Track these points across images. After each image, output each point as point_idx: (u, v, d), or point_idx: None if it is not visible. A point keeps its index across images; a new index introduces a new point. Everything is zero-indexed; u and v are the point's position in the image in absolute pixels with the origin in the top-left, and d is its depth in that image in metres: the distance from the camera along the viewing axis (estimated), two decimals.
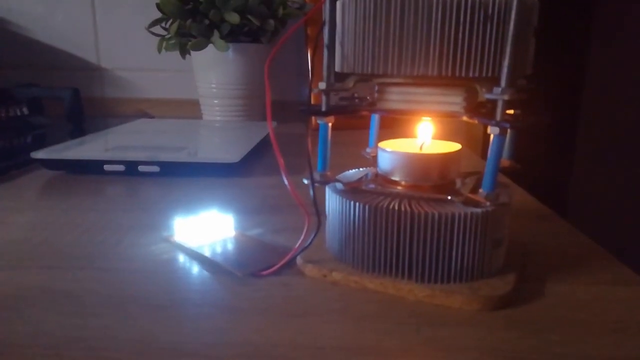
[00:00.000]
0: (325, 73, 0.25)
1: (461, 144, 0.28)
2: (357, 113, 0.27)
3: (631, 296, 0.25)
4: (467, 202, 0.24)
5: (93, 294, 0.25)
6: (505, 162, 0.29)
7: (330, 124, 0.26)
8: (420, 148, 0.28)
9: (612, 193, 1.12)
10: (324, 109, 0.25)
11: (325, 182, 0.27)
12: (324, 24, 0.25)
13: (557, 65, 1.18)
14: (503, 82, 0.22)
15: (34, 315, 0.23)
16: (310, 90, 0.25)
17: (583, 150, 1.25)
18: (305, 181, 0.27)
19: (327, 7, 0.24)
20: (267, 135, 0.59)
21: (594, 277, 0.27)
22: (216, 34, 0.69)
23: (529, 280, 0.26)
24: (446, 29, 0.22)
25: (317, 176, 0.27)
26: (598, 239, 0.32)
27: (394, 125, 0.48)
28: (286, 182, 0.26)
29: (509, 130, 0.29)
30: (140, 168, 0.46)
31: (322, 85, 0.25)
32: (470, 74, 0.23)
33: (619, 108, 1.11)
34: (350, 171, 0.30)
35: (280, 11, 0.73)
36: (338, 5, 0.25)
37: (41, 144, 0.63)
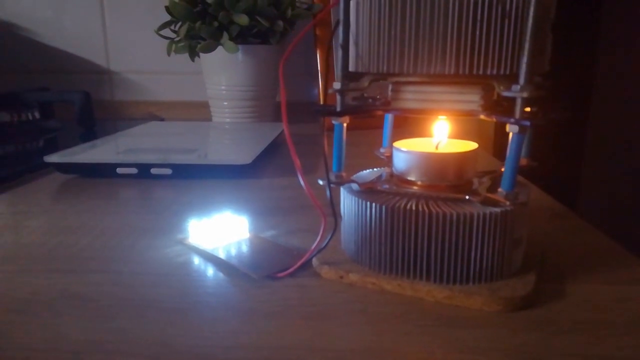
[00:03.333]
0: (339, 73, 0.25)
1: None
2: (373, 113, 0.26)
3: None
4: (486, 202, 0.24)
5: (109, 297, 0.25)
6: (522, 160, 0.29)
7: (345, 125, 0.26)
8: (436, 147, 0.28)
9: (622, 191, 1.11)
10: (339, 109, 0.25)
11: (340, 182, 0.27)
12: (337, 23, 0.25)
13: (567, 63, 1.17)
14: (522, 80, 0.22)
15: (50, 319, 0.23)
16: (326, 91, 0.24)
17: (593, 148, 1.24)
18: (321, 182, 0.26)
19: (341, 6, 0.24)
20: (278, 137, 0.58)
21: (615, 276, 0.27)
22: (225, 35, 0.69)
23: (548, 280, 0.26)
24: (463, 26, 0.22)
25: (332, 177, 0.27)
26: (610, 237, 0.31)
27: (405, 124, 0.47)
28: (303, 183, 0.25)
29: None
30: (153, 171, 0.46)
31: (337, 85, 0.25)
32: (488, 72, 0.22)
33: (629, 106, 1.10)
34: (364, 171, 0.30)
35: (289, 12, 0.73)
36: (352, 4, 0.25)
37: (53, 147, 0.63)
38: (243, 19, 0.68)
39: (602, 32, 1.20)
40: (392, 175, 0.28)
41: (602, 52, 1.20)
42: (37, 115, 0.75)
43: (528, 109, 0.25)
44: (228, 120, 0.78)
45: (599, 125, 1.23)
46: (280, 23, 0.71)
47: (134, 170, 0.46)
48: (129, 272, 0.27)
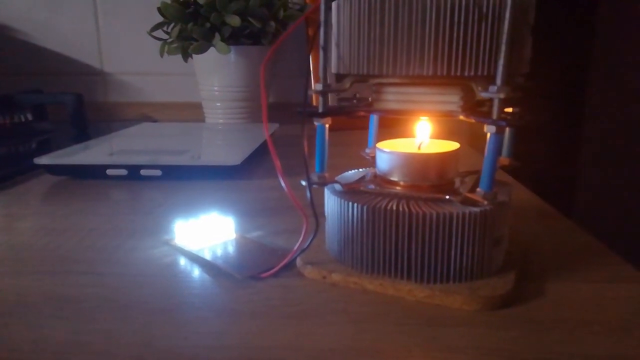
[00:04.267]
0: (321, 74, 0.25)
1: (463, 142, 0.28)
2: (355, 114, 0.27)
3: (633, 294, 0.25)
4: (465, 202, 0.24)
5: (94, 299, 0.25)
6: (504, 160, 0.29)
7: (327, 125, 0.26)
8: (419, 148, 0.28)
9: (618, 191, 1.11)
10: (320, 110, 0.25)
11: (323, 183, 0.27)
12: (319, 25, 0.25)
13: (561, 63, 1.17)
14: (499, 81, 0.22)
15: (36, 320, 0.23)
16: (307, 92, 0.25)
17: (588, 148, 1.25)
18: (303, 183, 0.27)
19: (322, 8, 0.24)
20: (270, 137, 0.58)
21: (596, 275, 0.27)
22: (217, 36, 0.70)
23: (530, 278, 0.26)
24: (440, 28, 0.22)
25: (315, 177, 0.27)
26: (604, 237, 0.32)
27: (393, 125, 0.48)
28: (283, 184, 0.26)
29: (507, 129, 0.29)
30: (143, 172, 0.46)
31: (319, 86, 0.25)
32: (466, 73, 0.23)
33: (624, 105, 1.10)
34: (349, 172, 0.30)
35: (281, 13, 0.73)
36: (333, 6, 0.25)
37: (46, 149, 0.63)
38: (235, 20, 0.68)
39: (597, 29, 1.20)
40: (375, 175, 0.29)
41: (598, 48, 1.21)
42: (30, 117, 0.75)
43: (510, 110, 0.25)
44: (221, 120, 0.79)
45: (595, 123, 1.23)
46: (272, 24, 0.72)
47: (123, 172, 0.46)
48: (114, 274, 0.28)
